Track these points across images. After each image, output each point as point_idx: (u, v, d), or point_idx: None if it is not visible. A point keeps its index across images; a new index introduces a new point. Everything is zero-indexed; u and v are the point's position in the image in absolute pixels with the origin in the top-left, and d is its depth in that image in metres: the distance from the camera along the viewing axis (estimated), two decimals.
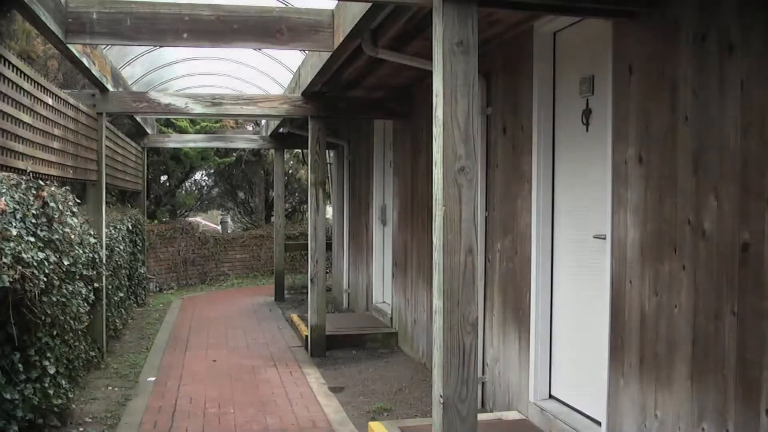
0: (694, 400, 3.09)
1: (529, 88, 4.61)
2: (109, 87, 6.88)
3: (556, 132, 4.54)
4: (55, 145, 5.55)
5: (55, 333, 4.39)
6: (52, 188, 4.64)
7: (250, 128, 16.07)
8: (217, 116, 11.14)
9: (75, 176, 6.22)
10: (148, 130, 11.20)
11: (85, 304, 5.36)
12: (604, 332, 3.78)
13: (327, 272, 11.11)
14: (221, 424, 5.03)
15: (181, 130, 14.12)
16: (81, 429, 4.87)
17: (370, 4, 4.08)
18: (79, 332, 5.32)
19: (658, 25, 3.35)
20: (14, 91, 4.53)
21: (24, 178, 4.41)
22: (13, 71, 4.50)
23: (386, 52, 5.02)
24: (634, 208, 3.53)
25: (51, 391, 4.26)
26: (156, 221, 14.56)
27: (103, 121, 7.11)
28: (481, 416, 4.65)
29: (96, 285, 5.99)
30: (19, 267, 3.58)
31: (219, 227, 18.36)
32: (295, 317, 9.05)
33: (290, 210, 17.86)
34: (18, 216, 3.91)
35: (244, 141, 12.75)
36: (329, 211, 12.44)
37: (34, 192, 4.30)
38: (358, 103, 7.40)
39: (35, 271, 3.75)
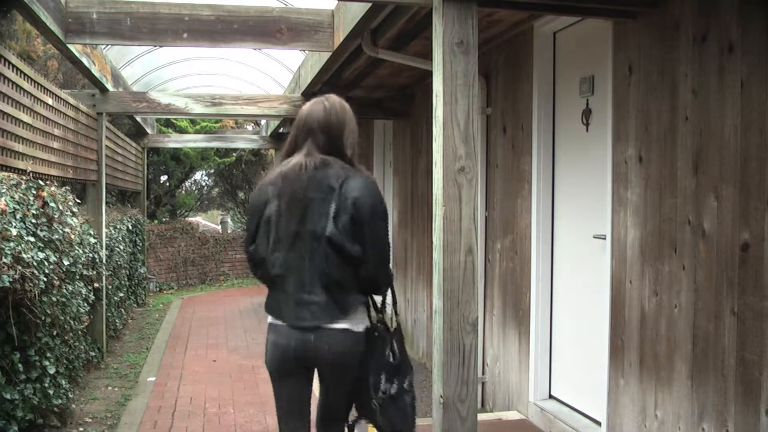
0: (694, 400, 3.09)
1: (529, 88, 4.61)
2: (109, 87, 6.88)
3: (556, 132, 4.54)
4: (55, 145, 5.55)
5: (55, 333, 4.39)
6: (52, 188, 4.64)
7: (250, 128, 16.07)
8: (217, 116, 11.12)
9: (75, 176, 6.22)
10: (148, 130, 11.20)
11: (85, 304, 5.36)
12: (604, 332, 3.79)
13: None
14: (221, 424, 5.03)
15: (181, 130, 14.11)
16: (81, 429, 4.87)
17: (370, 4, 4.07)
18: (79, 332, 5.32)
19: (658, 25, 3.35)
20: (14, 91, 4.53)
21: (24, 178, 4.41)
22: (13, 71, 4.50)
23: (386, 52, 5.02)
24: (634, 207, 3.53)
25: (51, 391, 4.26)
26: (156, 221, 14.55)
27: (103, 121, 7.10)
28: (481, 416, 4.65)
29: (96, 285, 5.99)
30: (19, 267, 3.58)
31: (219, 227, 18.35)
32: None
33: None
34: (18, 216, 3.91)
35: (244, 141, 12.74)
36: None
37: (34, 192, 4.29)
38: (358, 103, 7.38)
39: (35, 271, 3.75)
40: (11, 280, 3.48)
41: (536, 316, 4.60)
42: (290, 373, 2.64)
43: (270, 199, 2.59)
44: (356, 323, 2.60)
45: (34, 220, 4.09)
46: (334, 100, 2.72)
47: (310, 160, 2.58)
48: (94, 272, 5.76)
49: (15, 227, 3.74)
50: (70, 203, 4.92)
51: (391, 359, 2.67)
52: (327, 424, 2.84)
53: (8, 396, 3.71)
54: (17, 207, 3.95)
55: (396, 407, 2.66)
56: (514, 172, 4.86)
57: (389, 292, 2.77)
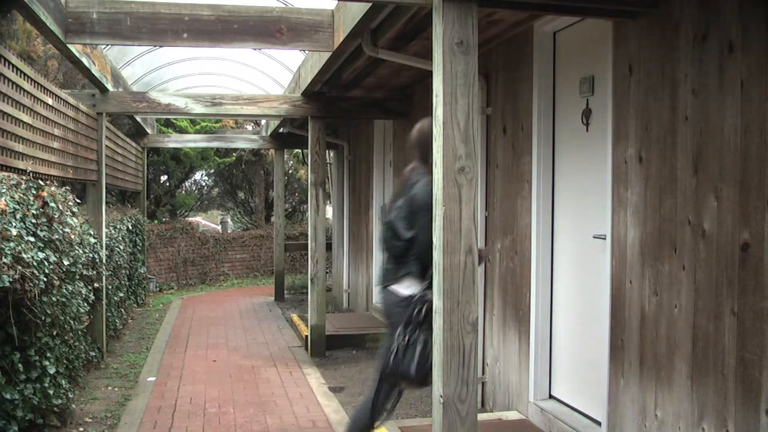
0: (694, 400, 3.09)
1: (529, 88, 4.61)
2: (109, 87, 6.88)
3: (556, 132, 4.54)
4: (55, 145, 5.55)
5: (55, 333, 4.39)
6: (52, 188, 4.64)
7: (250, 128, 16.08)
8: (217, 116, 11.13)
9: (75, 176, 6.22)
10: (148, 130, 11.20)
11: (85, 304, 5.36)
12: (604, 332, 3.79)
13: (327, 272, 11.11)
14: (221, 424, 5.03)
15: (181, 130, 14.12)
16: (81, 429, 4.87)
17: (370, 4, 4.07)
18: (79, 332, 5.32)
19: (658, 25, 3.35)
20: (14, 91, 4.53)
21: (24, 178, 4.41)
22: (13, 71, 4.50)
23: (386, 52, 5.02)
24: (634, 208, 3.53)
25: (51, 391, 4.26)
26: (156, 221, 14.56)
27: (103, 121, 7.10)
28: (481, 416, 4.65)
29: (96, 285, 5.99)
30: (19, 267, 3.58)
31: (219, 227, 18.35)
32: (295, 317, 9.06)
33: (290, 210, 17.86)
34: (18, 216, 3.91)
35: (244, 141, 12.75)
36: (329, 211, 12.44)
37: (34, 192, 4.29)
38: (358, 103, 7.41)
39: (35, 271, 3.75)
40: (11, 280, 3.48)
41: (536, 316, 4.60)
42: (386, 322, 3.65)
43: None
44: (404, 288, 3.48)
45: (34, 220, 4.09)
46: (424, 122, 3.62)
47: (409, 167, 3.69)
48: (94, 272, 5.76)
49: (15, 227, 3.74)
50: (70, 203, 4.92)
51: (415, 315, 3.38)
52: (382, 376, 3.53)
53: (8, 396, 3.72)
54: (17, 207, 3.95)
55: (407, 353, 3.34)
56: (514, 172, 4.86)
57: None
